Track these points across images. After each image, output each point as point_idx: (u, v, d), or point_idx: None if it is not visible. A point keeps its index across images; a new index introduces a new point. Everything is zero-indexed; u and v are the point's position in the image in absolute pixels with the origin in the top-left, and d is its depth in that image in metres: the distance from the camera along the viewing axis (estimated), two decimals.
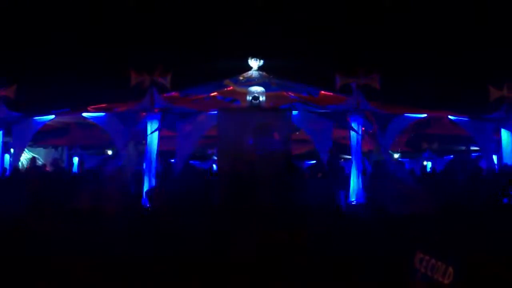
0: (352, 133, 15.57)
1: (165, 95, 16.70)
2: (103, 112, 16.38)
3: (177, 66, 17.95)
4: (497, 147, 17.05)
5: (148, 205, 14.26)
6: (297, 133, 16.91)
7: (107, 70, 27.04)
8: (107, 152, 20.40)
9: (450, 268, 2.78)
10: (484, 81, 17.04)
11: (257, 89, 18.50)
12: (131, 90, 15.91)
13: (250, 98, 17.64)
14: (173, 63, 18.06)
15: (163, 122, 15.66)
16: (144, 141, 15.65)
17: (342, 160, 20.84)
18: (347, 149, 16.36)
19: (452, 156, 21.89)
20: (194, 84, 20.73)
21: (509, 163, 15.79)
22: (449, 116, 16.74)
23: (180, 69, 18.60)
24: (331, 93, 19.09)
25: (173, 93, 18.34)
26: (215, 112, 15.28)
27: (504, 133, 16.66)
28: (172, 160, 16.08)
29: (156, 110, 15.66)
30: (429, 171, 20.93)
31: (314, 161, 18.64)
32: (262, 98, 17.97)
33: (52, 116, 16.66)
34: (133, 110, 15.78)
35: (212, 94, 19.65)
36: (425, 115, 16.53)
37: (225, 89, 20.03)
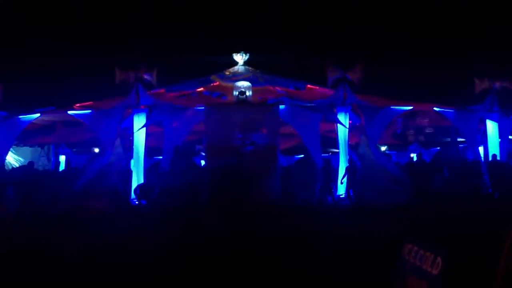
0: (340, 126, 15.64)
1: (151, 91, 16.61)
2: (89, 109, 16.22)
3: (163, 63, 17.88)
4: (483, 138, 17.22)
5: (137, 203, 14.21)
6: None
7: (92, 67, 26.79)
8: (93, 150, 20.21)
9: (438, 258, 2.79)
10: (470, 73, 17.20)
11: (243, 83, 18.50)
12: (117, 87, 15.81)
13: (237, 93, 17.63)
14: (159, 59, 17.96)
15: (149, 118, 15.60)
16: (131, 138, 15.58)
17: (330, 153, 20.96)
18: (335, 143, 16.44)
19: (438, 148, 22.05)
20: (180, 80, 20.64)
21: (496, 153, 15.95)
22: (435, 108, 16.86)
23: (166, 66, 18.52)
24: (318, 87, 19.14)
25: (160, 90, 18.24)
26: (202, 107, 15.25)
27: (489, 124, 16.86)
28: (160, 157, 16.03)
29: (142, 107, 15.61)
30: (416, 163, 21.06)
31: (302, 155, 18.65)
32: (249, 93, 17.98)
33: (38, 115, 16.47)
34: (119, 107, 15.66)
35: (199, 89, 19.59)
36: (411, 107, 16.63)
37: (212, 84, 19.99)
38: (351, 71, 15.84)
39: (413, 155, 21.40)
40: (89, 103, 17.67)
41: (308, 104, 16.71)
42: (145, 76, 15.67)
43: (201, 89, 19.63)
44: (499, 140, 16.80)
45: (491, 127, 16.84)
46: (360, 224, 10.02)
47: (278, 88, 19.64)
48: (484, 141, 17.20)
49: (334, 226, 9.89)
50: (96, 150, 19.45)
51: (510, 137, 17.91)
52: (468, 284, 2.47)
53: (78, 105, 17.24)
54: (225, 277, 5.76)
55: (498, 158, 15.75)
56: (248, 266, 6.12)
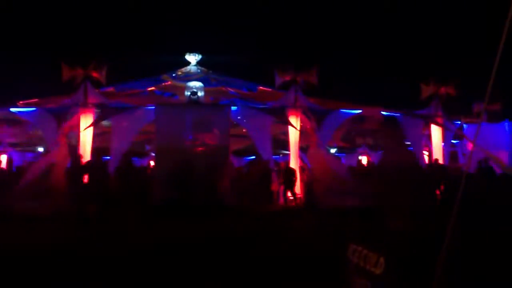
0: (291, 128, 15.76)
1: (99, 90, 16.16)
2: (33, 107, 15.59)
3: (113, 61, 17.45)
4: (427, 142, 17.83)
5: (83, 204, 13.74)
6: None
7: (38, 64, 25.82)
8: (37, 149, 19.44)
9: (381, 259, 2.82)
10: (417, 78, 17.78)
11: (195, 84, 18.36)
12: (63, 85, 15.29)
13: (189, 93, 17.47)
14: (109, 57, 17.53)
15: (97, 117, 15.15)
16: (77, 137, 15.08)
17: (281, 155, 21.10)
18: (285, 145, 16.56)
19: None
20: (131, 79, 20.26)
21: (439, 158, 16.55)
22: (382, 112, 17.29)
23: (116, 64, 18.11)
24: (270, 89, 19.26)
25: (109, 88, 17.80)
26: (153, 107, 14.99)
27: (433, 128, 17.47)
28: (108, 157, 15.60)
29: (90, 105, 15.13)
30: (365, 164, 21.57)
31: (253, 156, 18.71)
32: (200, 93, 17.85)
33: None
34: (65, 105, 15.14)
35: (150, 88, 19.29)
36: (360, 110, 16.99)
37: (163, 84, 19.74)
38: (303, 73, 15.99)
39: (361, 158, 21.91)
40: (34, 100, 17.03)
41: (260, 106, 16.78)
42: (94, 74, 15.22)
43: (152, 88, 19.33)
44: (442, 144, 17.45)
45: (435, 131, 17.45)
46: (309, 225, 10.12)
47: (230, 89, 19.62)
48: (428, 145, 17.83)
49: (282, 227, 9.94)
50: (41, 149, 18.73)
51: (452, 141, 18.69)
52: (410, 284, 2.51)
53: (22, 102, 16.55)
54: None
55: (441, 162, 16.34)
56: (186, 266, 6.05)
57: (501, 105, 17.61)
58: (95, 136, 15.07)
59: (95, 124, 14.95)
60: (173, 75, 20.14)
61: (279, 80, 15.91)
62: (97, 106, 15.02)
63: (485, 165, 13.59)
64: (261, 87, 19.99)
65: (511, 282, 5.34)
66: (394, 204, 3.07)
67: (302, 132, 15.97)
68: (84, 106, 15.01)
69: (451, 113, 17.82)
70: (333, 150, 23.73)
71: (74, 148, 14.64)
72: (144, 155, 21.95)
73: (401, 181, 3.01)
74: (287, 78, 15.91)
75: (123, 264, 6.40)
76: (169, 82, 19.70)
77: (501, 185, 11.86)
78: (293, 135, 15.81)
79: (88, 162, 13.75)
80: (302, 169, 15.53)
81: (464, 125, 18.41)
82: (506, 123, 17.76)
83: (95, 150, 14.58)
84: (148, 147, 21.40)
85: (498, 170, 14.00)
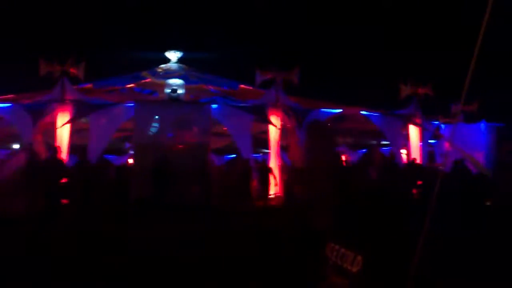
0: (271, 127, 15.76)
1: (77, 86, 15.93)
2: (9, 103, 15.26)
3: (92, 57, 17.23)
4: (406, 142, 18.02)
5: (60, 202, 13.51)
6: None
7: (15, 59, 25.31)
8: (12, 145, 19.04)
9: (358, 257, 2.81)
10: (396, 79, 17.96)
11: (176, 81, 18.22)
12: (41, 81, 15.03)
13: (169, 90, 17.33)
14: (88, 53, 17.25)
15: (75, 114, 14.91)
16: (54, 134, 14.81)
17: (262, 154, 21.10)
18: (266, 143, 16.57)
19: (365, 150, 22.83)
20: (110, 76, 20.02)
21: (416, 158, 16.73)
22: (362, 112, 17.44)
23: (95, 60, 17.88)
24: (251, 87, 19.22)
25: (87, 84, 17.54)
26: (132, 104, 14.82)
27: (411, 128, 17.67)
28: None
29: (67, 102, 14.87)
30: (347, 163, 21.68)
31: (234, 155, 18.66)
32: (181, 91, 17.72)
33: None
34: (42, 101, 14.86)
35: (129, 85, 19.08)
36: (341, 110, 17.09)
37: (143, 81, 19.54)
38: (284, 72, 16.02)
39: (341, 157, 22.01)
40: (9, 96, 16.70)
41: (241, 104, 16.73)
42: (72, 70, 14.98)
43: (132, 85, 19.13)
44: (420, 144, 17.66)
45: (413, 131, 17.65)
46: (283, 224, 10.09)
47: (211, 87, 19.52)
48: (407, 145, 18.02)
49: (260, 226, 9.90)
50: (16, 146, 18.35)
51: (430, 141, 18.93)
52: (386, 282, 2.50)
53: None
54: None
55: (418, 161, 16.52)
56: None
57: (478, 106, 17.93)
58: (72, 133, 14.84)
59: (72, 121, 14.72)
60: (153, 72, 19.95)
61: (259, 78, 15.91)
62: (75, 102, 14.79)
63: (460, 165, 13.80)
64: (242, 85, 19.95)
65: (484, 279, 5.42)
66: (318, 204, 3.09)
67: (283, 131, 16.00)
68: (61, 102, 14.77)
69: (429, 114, 18.07)
70: None
71: (47, 145, 14.35)
72: (123, 152, 21.72)
73: (325, 182, 3.03)
74: (268, 76, 15.92)
75: (87, 263, 6.28)
76: (149, 79, 19.50)
77: (475, 185, 12.07)
78: (274, 133, 15.82)
79: (45, 159, 13.36)
80: (282, 168, 15.54)
81: (442, 125, 18.67)
82: (483, 124, 18.07)
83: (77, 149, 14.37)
84: (127, 145, 21.20)
85: (473, 170, 14.24)
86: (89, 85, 17.94)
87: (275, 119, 15.73)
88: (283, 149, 16.33)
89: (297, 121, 15.80)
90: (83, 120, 15.48)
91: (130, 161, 18.05)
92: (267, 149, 16.97)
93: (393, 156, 16.82)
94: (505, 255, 6.34)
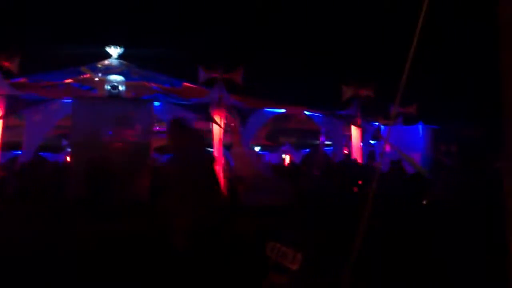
0: (215, 126, 15.64)
1: (10, 80, 15.13)
2: None
3: (27, 50, 16.42)
4: (348, 142, 18.45)
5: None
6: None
7: None
8: None
9: (298, 255, 2.79)
10: (339, 80, 18.32)
11: (116, 78, 17.71)
12: None
13: (109, 87, 16.85)
14: (23, 46, 16.41)
15: (7, 110, 14.14)
16: None
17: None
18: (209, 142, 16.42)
19: (308, 150, 23.23)
20: (47, 70, 19.16)
21: (357, 158, 17.17)
22: (305, 112, 17.68)
23: (31, 53, 17.06)
24: (194, 86, 19.02)
25: (21, 79, 16.71)
26: (70, 100, 14.24)
27: (353, 130, 18.10)
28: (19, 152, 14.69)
29: None
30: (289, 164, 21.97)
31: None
32: (121, 88, 17.27)
33: None
34: None
35: (67, 81, 18.37)
36: (284, 110, 17.24)
37: (82, 76, 18.85)
38: (228, 72, 15.94)
39: (285, 156, 22.28)
40: None
41: (184, 102, 16.50)
42: (5, 64, 14.20)
43: (70, 80, 18.43)
44: (361, 144, 18.14)
45: (355, 132, 18.09)
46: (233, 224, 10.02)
47: (153, 85, 19.16)
48: (348, 145, 18.46)
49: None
50: None
51: (371, 141, 19.50)
52: (324, 279, 2.49)
53: None
54: None
55: (359, 161, 16.95)
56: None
57: (416, 109, 18.63)
58: (4, 129, 14.08)
59: (3, 117, 13.96)
60: (93, 67, 19.28)
61: (203, 76, 15.74)
62: (7, 97, 14.01)
63: (397, 165, 14.26)
64: (186, 83, 19.69)
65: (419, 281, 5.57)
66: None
67: (226, 130, 15.92)
68: None
69: (370, 115, 18.57)
70: (257, 148, 23.96)
71: None
72: (60, 150, 20.91)
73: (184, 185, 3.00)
74: (213, 75, 15.78)
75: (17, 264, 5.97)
76: (88, 75, 18.83)
77: (411, 184, 12.50)
78: (217, 132, 15.71)
79: None
80: (225, 167, 15.47)
81: (382, 127, 19.25)
82: (420, 126, 18.78)
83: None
84: (64, 142, 20.42)
85: (410, 170, 14.75)
86: (23, 79, 17.10)
87: (218, 118, 15.63)
88: (227, 148, 16.26)
89: (240, 120, 15.79)
90: (15, 116, 14.74)
91: (68, 159, 17.38)
92: (210, 148, 16.84)
93: (335, 156, 17.20)
94: (434, 253, 6.53)
